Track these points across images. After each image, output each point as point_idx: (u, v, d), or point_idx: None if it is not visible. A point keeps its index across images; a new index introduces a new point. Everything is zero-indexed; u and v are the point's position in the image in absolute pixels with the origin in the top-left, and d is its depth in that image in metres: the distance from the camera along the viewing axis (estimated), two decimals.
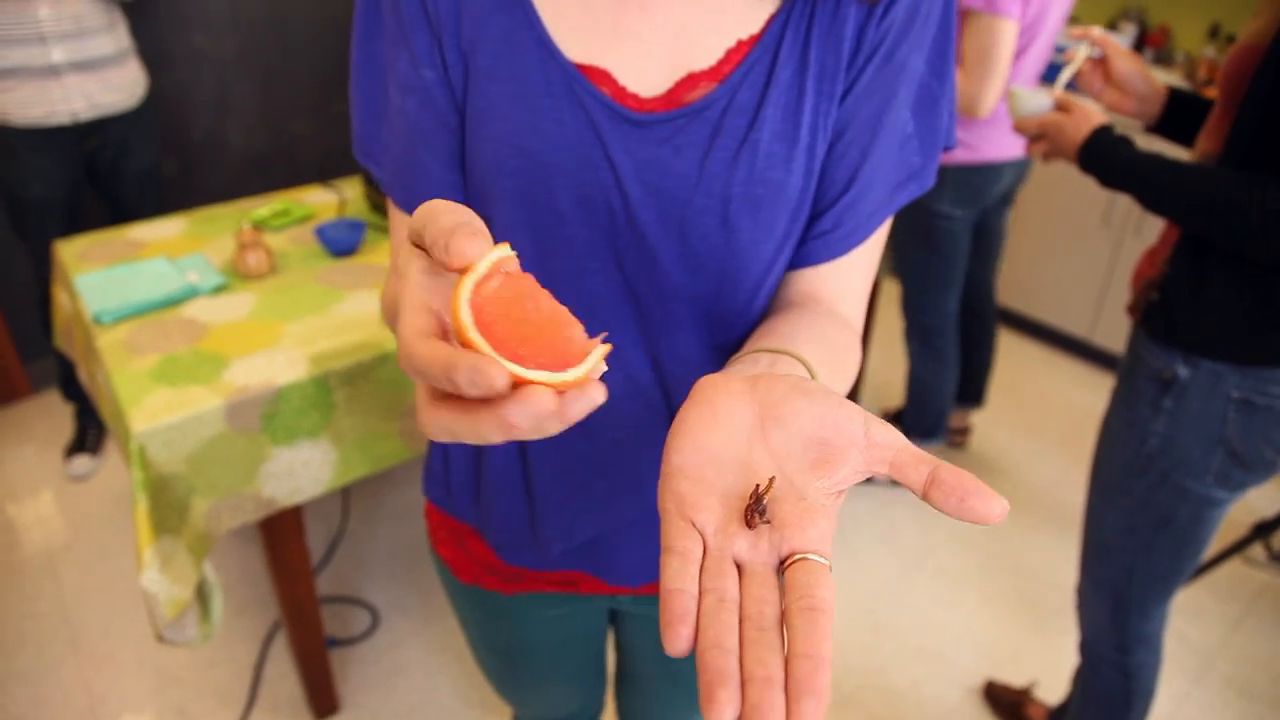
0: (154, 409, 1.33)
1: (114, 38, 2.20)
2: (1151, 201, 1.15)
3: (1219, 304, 1.14)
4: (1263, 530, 2.11)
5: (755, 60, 0.63)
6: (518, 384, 0.34)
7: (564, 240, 0.67)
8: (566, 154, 0.63)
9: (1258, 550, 2.37)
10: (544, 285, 0.53)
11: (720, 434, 0.45)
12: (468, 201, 0.69)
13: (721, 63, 0.64)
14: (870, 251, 0.70)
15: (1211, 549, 2.17)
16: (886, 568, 2.31)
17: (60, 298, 1.85)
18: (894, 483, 2.55)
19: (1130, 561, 1.34)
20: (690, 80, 0.64)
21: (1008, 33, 1.88)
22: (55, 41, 2.07)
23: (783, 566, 0.41)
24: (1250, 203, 1.02)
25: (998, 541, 2.41)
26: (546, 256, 0.68)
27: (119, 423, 1.41)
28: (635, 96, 0.64)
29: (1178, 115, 1.31)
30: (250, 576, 2.20)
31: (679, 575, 0.39)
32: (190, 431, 1.34)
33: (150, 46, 2.60)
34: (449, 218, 0.37)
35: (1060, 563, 2.33)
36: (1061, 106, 1.28)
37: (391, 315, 0.63)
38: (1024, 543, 2.41)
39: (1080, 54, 1.30)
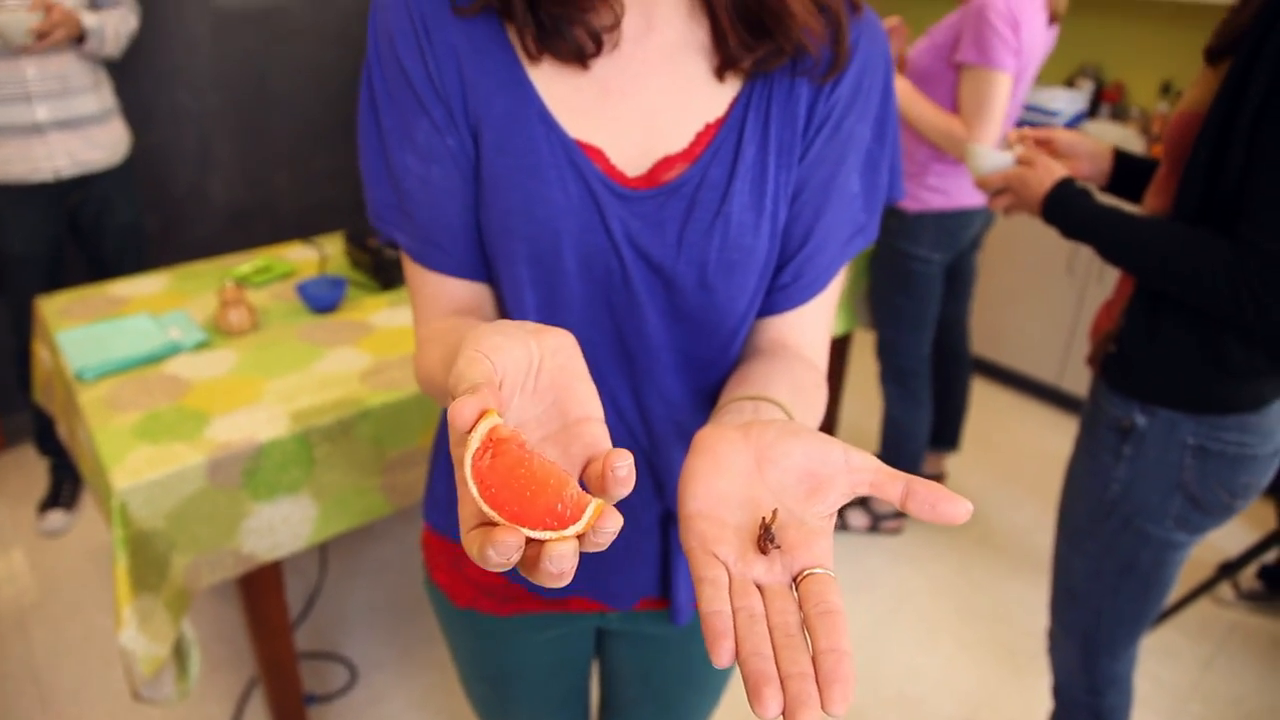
0: (135, 466, 1.35)
1: (98, 96, 2.24)
2: (1111, 254, 1.19)
3: (1172, 355, 1.19)
4: (1228, 570, 2.16)
5: (722, 141, 0.70)
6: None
7: (567, 295, 0.73)
8: (571, 220, 0.70)
9: (1226, 590, 2.41)
10: None
11: (725, 478, 0.52)
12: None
13: (692, 145, 0.71)
14: (828, 299, 0.78)
15: (1179, 590, 2.21)
16: (864, 615, 2.33)
17: (41, 354, 1.86)
18: (871, 529, 2.60)
19: (1098, 605, 1.37)
20: (666, 162, 0.71)
21: (1002, 85, 1.97)
22: (40, 100, 2.11)
23: (795, 582, 0.47)
24: (1204, 262, 1.07)
25: (974, 588, 2.44)
26: (551, 309, 0.74)
27: (100, 479, 1.42)
28: (622, 174, 0.71)
29: (1125, 174, 1.38)
30: (226, 633, 2.18)
31: (714, 599, 0.46)
32: (171, 488, 1.35)
33: (134, 104, 2.64)
34: (457, 370, 0.47)
35: (1036, 607, 2.36)
36: (1023, 161, 1.33)
37: (428, 386, 0.70)
38: (1000, 588, 2.44)
39: (1017, 151, 1.36)
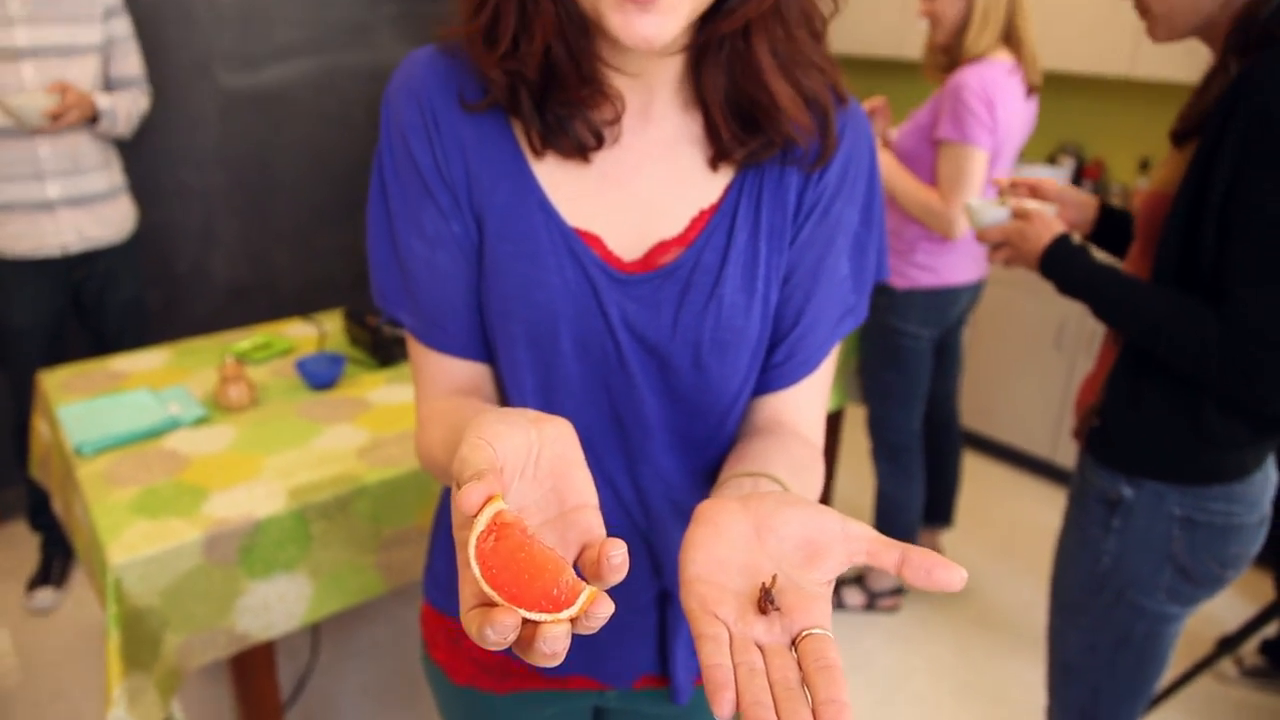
0: (132, 541, 1.35)
1: (108, 174, 2.30)
2: (1103, 313, 1.22)
3: (1154, 426, 1.22)
4: (1227, 645, 2.14)
5: (715, 226, 0.74)
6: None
7: (564, 376, 0.76)
8: (568, 303, 0.73)
9: (1228, 666, 2.39)
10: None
11: (725, 546, 0.53)
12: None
13: (687, 230, 0.74)
14: (822, 376, 0.81)
15: (1179, 665, 2.18)
16: (862, 696, 2.30)
17: (40, 427, 1.87)
18: (867, 607, 2.58)
19: (1095, 681, 1.37)
20: (662, 247, 0.74)
21: (978, 160, 2.04)
22: (52, 178, 2.16)
23: (794, 643, 0.49)
24: (1194, 332, 1.10)
25: (972, 667, 2.41)
26: (549, 390, 0.76)
27: (95, 555, 1.42)
28: (619, 259, 0.74)
29: (1109, 226, 1.43)
30: (216, 714, 2.14)
31: (715, 653, 0.47)
32: (168, 564, 1.35)
33: (142, 182, 2.70)
34: (460, 456, 0.50)
35: (1035, 686, 2.33)
36: (1020, 215, 1.35)
37: (429, 463, 0.73)
38: (999, 667, 2.41)
39: (1011, 204, 1.41)
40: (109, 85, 2.27)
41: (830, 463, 2.72)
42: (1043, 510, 3.15)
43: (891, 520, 2.56)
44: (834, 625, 2.51)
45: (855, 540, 0.52)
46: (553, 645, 0.44)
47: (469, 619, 0.45)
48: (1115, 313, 1.21)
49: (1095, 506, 1.31)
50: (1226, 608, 2.63)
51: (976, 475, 3.34)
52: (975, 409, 3.40)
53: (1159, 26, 1.19)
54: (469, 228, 0.74)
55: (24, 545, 2.73)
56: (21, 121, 2.02)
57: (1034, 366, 3.20)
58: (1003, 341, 3.28)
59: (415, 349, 0.79)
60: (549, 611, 0.45)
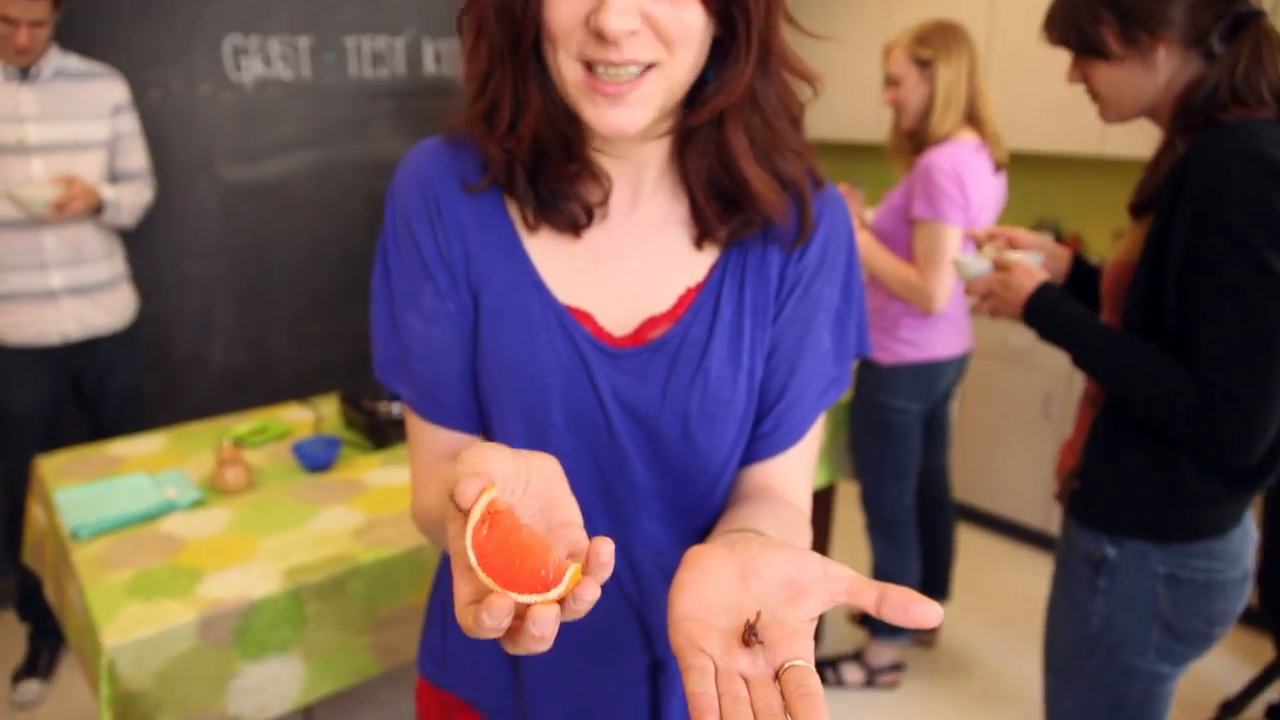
0: (126, 624, 1.35)
1: (110, 264, 2.35)
2: (1083, 363, 1.26)
3: (1133, 485, 1.25)
4: (1229, 709, 2.12)
5: (702, 303, 0.78)
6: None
7: (556, 447, 0.79)
8: (560, 377, 0.77)
9: None
10: None
11: (711, 587, 0.56)
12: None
13: (675, 306, 0.79)
14: (808, 445, 0.84)
15: None
16: None
17: (35, 512, 1.88)
18: (867, 684, 2.55)
19: None
20: (651, 322, 0.78)
21: (952, 237, 2.11)
22: (56, 268, 2.21)
23: (777, 675, 0.51)
24: (1169, 389, 1.14)
25: None
26: None
27: (89, 638, 1.42)
28: (610, 334, 0.78)
29: (1081, 276, 1.48)
30: None
31: (700, 681, 0.50)
32: (162, 646, 1.35)
33: (144, 270, 2.75)
34: (456, 471, 0.54)
35: None
36: (1000, 266, 1.38)
37: (424, 521, 0.77)
38: None
39: (990, 254, 1.44)
40: (115, 178, 2.35)
41: (824, 539, 2.72)
42: (1039, 581, 3.13)
43: None
44: (834, 704, 2.47)
45: (836, 581, 0.55)
46: (541, 628, 0.48)
47: (464, 614, 0.49)
48: (1093, 364, 1.24)
49: (1081, 568, 1.32)
50: (1228, 670, 2.60)
51: (971, 548, 3.34)
52: (967, 481, 3.42)
53: (1108, 110, 1.28)
54: (465, 306, 0.78)
55: (10, 637, 2.69)
56: (27, 211, 2.08)
57: (1023, 437, 3.23)
58: (991, 413, 3.31)
59: (412, 420, 0.83)
60: (538, 592, 0.48)
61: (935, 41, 2.14)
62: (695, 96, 0.72)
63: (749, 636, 0.52)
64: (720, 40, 0.70)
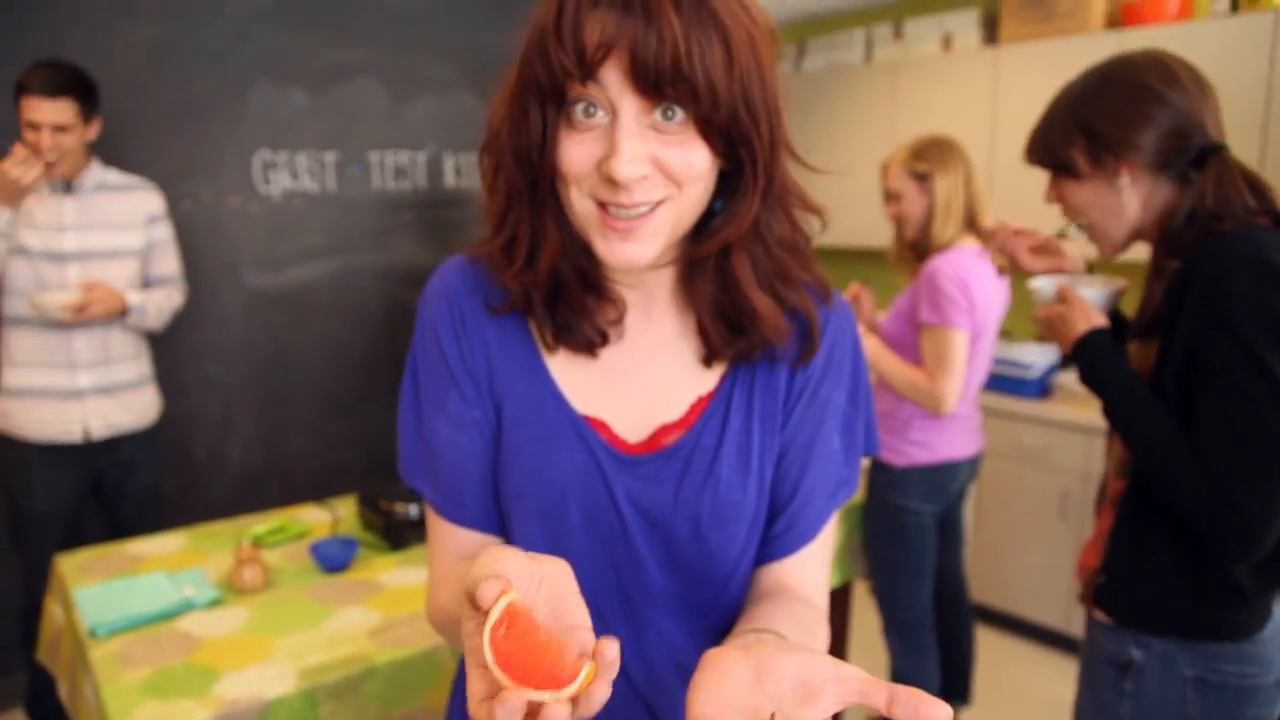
0: None
1: (137, 365, 2.42)
2: (1111, 418, 1.27)
3: (1158, 583, 1.25)
4: None
5: (713, 412, 0.82)
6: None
7: (573, 549, 0.82)
8: (577, 483, 0.80)
9: None
10: None
11: (727, 688, 0.57)
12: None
13: (687, 414, 0.83)
14: (823, 544, 0.86)
15: None
16: None
17: (53, 610, 1.88)
18: None
19: None
20: (665, 430, 0.82)
21: (960, 341, 2.16)
22: (84, 368, 2.28)
23: None
24: (1183, 475, 1.16)
25: None
26: None
27: None
28: (624, 441, 0.82)
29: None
30: None
31: None
32: None
33: (168, 372, 2.81)
34: (474, 572, 0.57)
35: None
36: (1060, 297, 1.39)
37: (439, 618, 0.80)
38: None
39: (1057, 286, 1.42)
40: (148, 283, 2.44)
41: (841, 641, 2.68)
42: (1061, 684, 3.05)
43: None
44: None
45: (847, 682, 0.56)
46: None
47: (477, 710, 0.51)
48: (1120, 423, 1.25)
49: (1106, 670, 1.31)
50: None
51: (992, 649, 3.27)
52: (985, 582, 3.37)
53: (1102, 243, 1.34)
54: (488, 414, 0.83)
55: None
56: (43, 314, 2.15)
57: (1041, 537, 3.21)
58: (1008, 513, 3.30)
59: (433, 520, 0.86)
60: (553, 689, 0.51)
61: (930, 155, 2.24)
62: (703, 226, 0.76)
63: None
64: (726, 173, 0.73)
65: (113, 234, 2.32)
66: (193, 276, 2.84)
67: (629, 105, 0.66)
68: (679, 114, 0.67)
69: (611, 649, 0.54)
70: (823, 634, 0.79)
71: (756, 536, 0.84)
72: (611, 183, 0.68)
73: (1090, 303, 1.36)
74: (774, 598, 0.81)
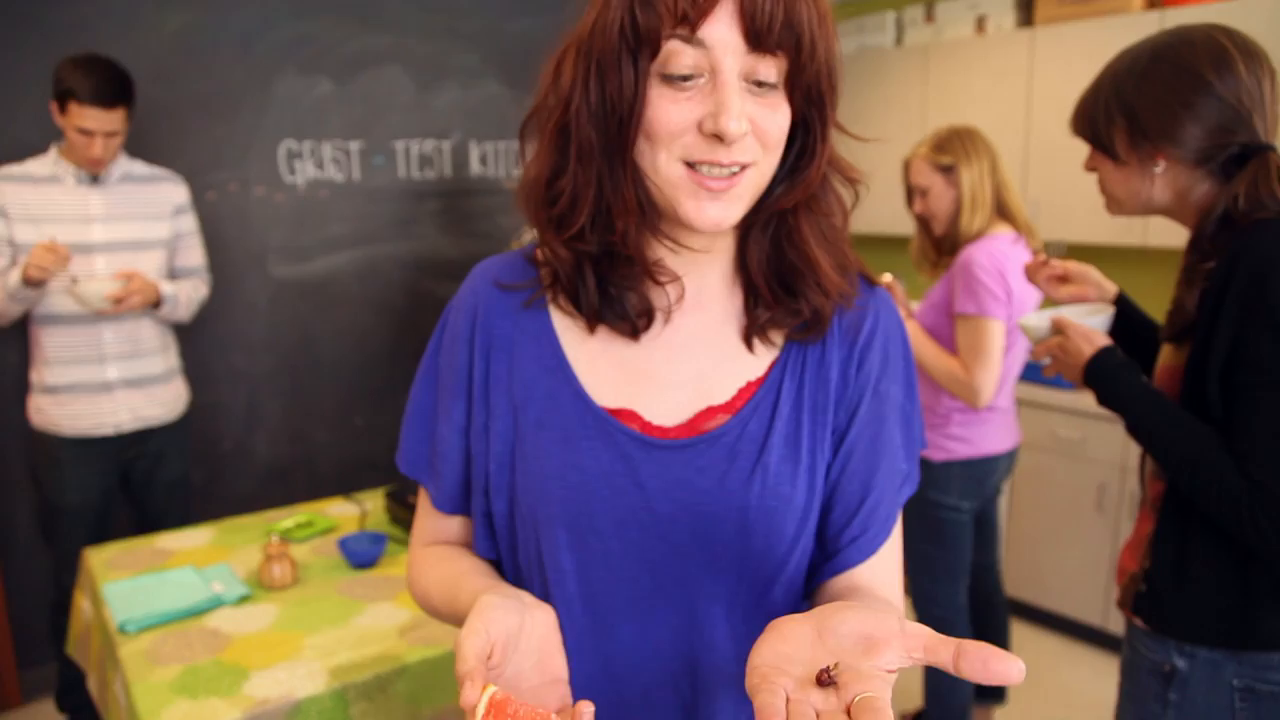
0: None
1: (165, 357, 2.41)
2: (1138, 435, 1.23)
3: (1204, 590, 1.20)
4: None
5: (761, 398, 0.79)
6: None
7: (602, 554, 0.78)
8: (602, 482, 0.77)
9: None
10: (583, 593, 0.78)
11: (788, 645, 0.57)
12: (519, 529, 0.82)
13: (734, 399, 0.79)
14: (894, 544, 0.83)
15: None
16: None
17: (82, 604, 1.88)
18: None
19: None
20: (709, 412, 0.79)
21: (997, 332, 2.10)
22: (113, 360, 2.27)
23: (847, 711, 0.51)
24: (1220, 480, 1.11)
25: None
26: (587, 567, 0.78)
27: None
28: (660, 428, 0.78)
29: (1123, 318, 1.46)
30: None
31: (771, 705, 0.51)
32: None
33: (195, 364, 2.81)
34: (461, 642, 0.62)
35: None
36: (1057, 328, 1.36)
37: (422, 599, 0.87)
38: None
39: (1049, 319, 1.41)
40: (173, 275, 2.43)
41: None
42: (1098, 681, 3.00)
43: (941, 700, 2.45)
44: None
45: (913, 638, 0.54)
46: None
47: None
48: (1148, 439, 1.21)
49: (1148, 680, 1.26)
50: None
51: (1027, 646, 3.21)
52: (1021, 577, 3.31)
53: (1110, 204, 1.32)
54: (495, 419, 0.81)
55: None
56: (84, 305, 2.15)
57: (1077, 531, 3.14)
58: (1043, 507, 3.23)
59: (426, 506, 0.89)
60: None
61: (953, 146, 2.18)
62: (766, 191, 0.75)
63: (824, 676, 0.53)
64: (789, 138, 0.73)
65: (140, 225, 2.31)
66: (219, 267, 2.83)
67: (732, 62, 0.66)
68: (770, 80, 0.68)
69: (586, 711, 0.60)
70: None
71: (806, 534, 0.79)
72: (716, 139, 0.67)
73: (1089, 327, 1.34)
74: (845, 595, 0.78)
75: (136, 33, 2.70)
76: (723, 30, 0.65)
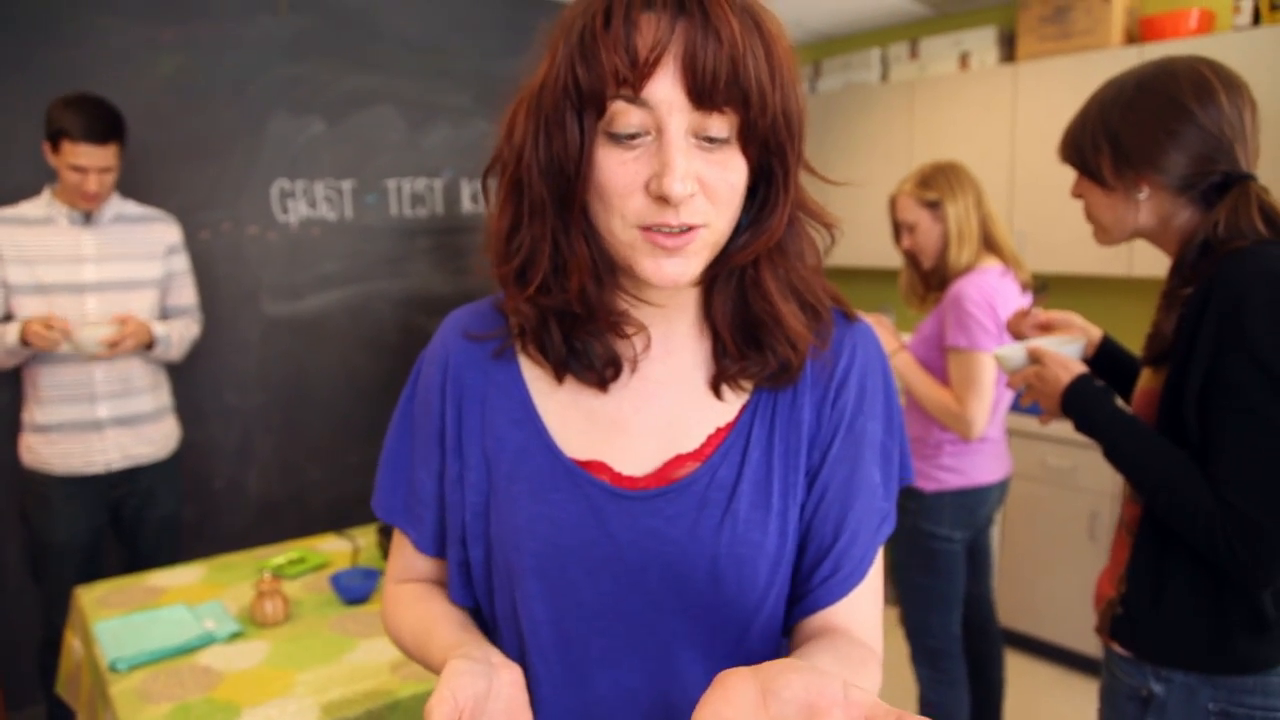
0: None
1: (156, 396, 2.41)
2: (1115, 460, 1.24)
3: (1180, 614, 1.20)
4: None
5: (731, 444, 0.79)
6: None
7: (575, 604, 0.78)
8: (573, 534, 0.77)
9: None
10: (558, 643, 0.78)
11: (730, 708, 0.55)
12: (494, 577, 0.82)
13: (703, 446, 0.79)
14: (872, 584, 0.81)
15: None
16: None
17: (72, 643, 1.87)
18: None
19: None
20: (678, 460, 0.79)
21: (988, 365, 2.12)
22: (104, 399, 2.27)
23: None
24: (1194, 502, 1.13)
25: None
26: (561, 618, 0.79)
27: None
28: (630, 478, 0.78)
29: (1108, 357, 1.49)
30: None
31: None
32: None
33: (187, 402, 2.80)
34: (431, 706, 0.64)
35: None
36: (1033, 358, 1.39)
37: (395, 634, 0.88)
38: None
39: (1025, 349, 1.44)
40: (165, 313, 2.44)
41: None
42: (1093, 710, 2.97)
43: None
44: None
45: (856, 706, 0.53)
46: None
47: None
48: (1124, 463, 1.23)
49: (1126, 705, 1.27)
50: None
51: (1022, 676, 3.20)
52: (1014, 607, 3.31)
53: (1100, 234, 1.35)
54: (469, 470, 0.82)
55: None
56: (80, 351, 2.16)
57: (1070, 560, 3.15)
58: (1036, 537, 3.24)
59: (401, 543, 0.90)
60: None
61: (937, 182, 2.22)
62: (729, 240, 0.74)
63: None
64: (752, 186, 0.72)
65: (132, 265, 2.32)
66: (211, 306, 2.84)
67: (678, 120, 0.65)
68: (720, 136, 0.67)
69: None
70: (871, 672, 0.73)
71: (780, 578, 0.78)
72: (661, 201, 0.66)
73: (1064, 355, 1.37)
74: (819, 637, 0.76)
75: (130, 75, 2.74)
76: (666, 89, 0.64)
